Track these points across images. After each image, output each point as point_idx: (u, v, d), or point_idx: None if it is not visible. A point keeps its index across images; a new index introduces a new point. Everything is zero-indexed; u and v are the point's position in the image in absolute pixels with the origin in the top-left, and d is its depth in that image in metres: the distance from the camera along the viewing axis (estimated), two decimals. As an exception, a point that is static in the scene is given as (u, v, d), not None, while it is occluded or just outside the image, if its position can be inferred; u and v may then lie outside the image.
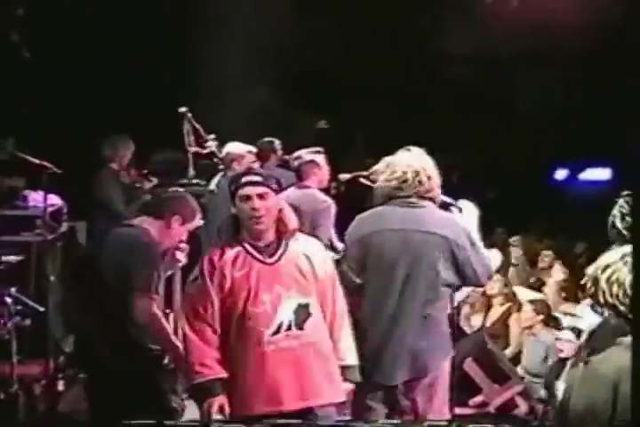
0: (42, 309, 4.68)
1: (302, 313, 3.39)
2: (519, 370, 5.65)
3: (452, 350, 3.93)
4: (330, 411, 3.45)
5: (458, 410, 4.34)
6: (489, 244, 6.44)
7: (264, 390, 3.33)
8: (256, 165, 5.93)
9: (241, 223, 3.44)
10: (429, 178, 3.84)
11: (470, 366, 5.44)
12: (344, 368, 3.49)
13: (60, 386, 5.17)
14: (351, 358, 3.53)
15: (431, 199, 3.87)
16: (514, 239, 7.73)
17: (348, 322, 3.59)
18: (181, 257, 3.93)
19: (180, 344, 3.56)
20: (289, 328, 3.36)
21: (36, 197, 5.92)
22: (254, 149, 6.07)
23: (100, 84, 7.11)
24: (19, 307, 4.54)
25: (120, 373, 3.65)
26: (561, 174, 10.66)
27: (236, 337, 3.36)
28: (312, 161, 5.52)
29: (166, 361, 3.76)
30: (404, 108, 8.02)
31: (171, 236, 3.83)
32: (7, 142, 5.76)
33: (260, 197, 3.39)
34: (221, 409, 3.31)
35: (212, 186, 6.05)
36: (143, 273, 3.63)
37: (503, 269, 6.48)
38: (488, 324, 6.08)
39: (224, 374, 3.34)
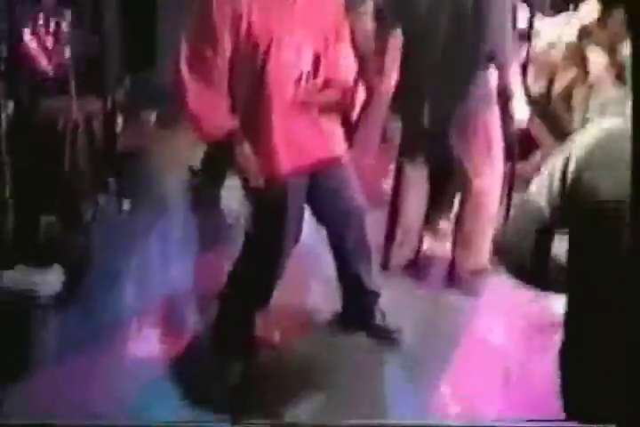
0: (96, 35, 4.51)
1: (317, 63, 3.11)
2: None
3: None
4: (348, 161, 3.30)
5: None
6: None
7: (290, 146, 3.11)
8: None
9: None
10: None
11: (533, 122, 5.27)
12: None
13: (119, 124, 5.19)
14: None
15: None
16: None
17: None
18: None
19: None
20: (307, 79, 3.10)
21: None
22: None
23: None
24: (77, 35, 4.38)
25: None
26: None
27: (255, 88, 3.04)
28: None
29: None
30: None
31: None
32: None
33: None
34: (249, 158, 3.05)
35: None
36: None
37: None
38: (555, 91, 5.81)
39: (238, 123, 3.05)
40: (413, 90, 3.88)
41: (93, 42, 4.53)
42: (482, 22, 3.60)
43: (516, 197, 4.22)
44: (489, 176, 3.91)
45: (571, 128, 5.40)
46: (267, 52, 3.02)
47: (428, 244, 4.23)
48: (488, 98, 3.79)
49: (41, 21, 4.19)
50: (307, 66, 3.10)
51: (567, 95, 5.69)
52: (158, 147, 5.33)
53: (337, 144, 3.30)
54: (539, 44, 4.60)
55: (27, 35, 4.13)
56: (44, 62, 4.21)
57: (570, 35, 5.06)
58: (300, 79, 3.08)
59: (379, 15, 4.10)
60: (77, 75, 4.41)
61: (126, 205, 4.52)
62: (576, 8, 5.09)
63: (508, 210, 4.03)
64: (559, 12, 4.75)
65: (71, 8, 4.35)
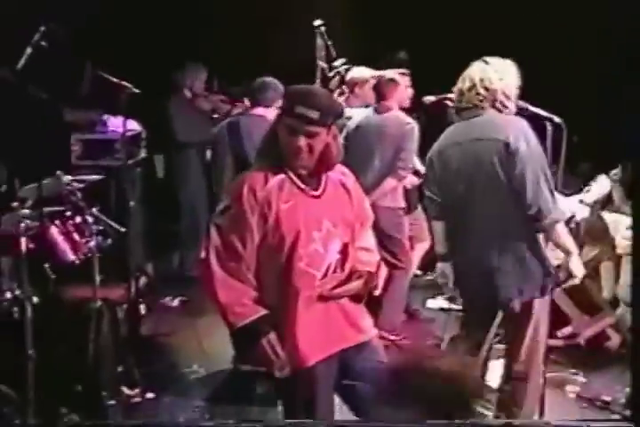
0: (123, 229, 4.61)
1: (345, 253, 3.10)
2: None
3: (542, 281, 3.66)
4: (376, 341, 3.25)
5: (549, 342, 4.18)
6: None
7: (315, 337, 3.04)
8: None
9: (281, 146, 3.04)
10: (488, 89, 3.63)
11: (560, 296, 5.23)
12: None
13: (142, 310, 5.18)
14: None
15: (496, 108, 3.66)
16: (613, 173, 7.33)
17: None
18: None
19: None
20: (335, 270, 3.08)
21: (115, 122, 5.88)
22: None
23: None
24: (100, 227, 4.48)
25: None
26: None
27: (281, 279, 3.02)
28: (392, 79, 5.31)
29: None
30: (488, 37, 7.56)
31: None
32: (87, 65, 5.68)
33: (309, 135, 2.98)
34: (276, 348, 3.00)
35: None
36: None
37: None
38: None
39: (266, 312, 3.01)
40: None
41: (118, 232, 4.62)
42: (518, 189, 3.54)
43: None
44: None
45: (600, 302, 5.34)
46: (293, 246, 3.00)
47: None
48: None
49: (69, 217, 4.29)
50: (333, 258, 3.07)
51: (593, 271, 5.65)
52: (182, 333, 5.29)
53: (364, 330, 3.21)
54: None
55: (54, 229, 4.21)
56: (70, 255, 4.27)
57: (584, 212, 5.09)
58: (327, 271, 3.06)
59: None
60: (101, 263, 4.46)
61: (149, 395, 4.42)
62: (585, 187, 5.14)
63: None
64: (570, 194, 4.80)
65: (96, 204, 4.48)
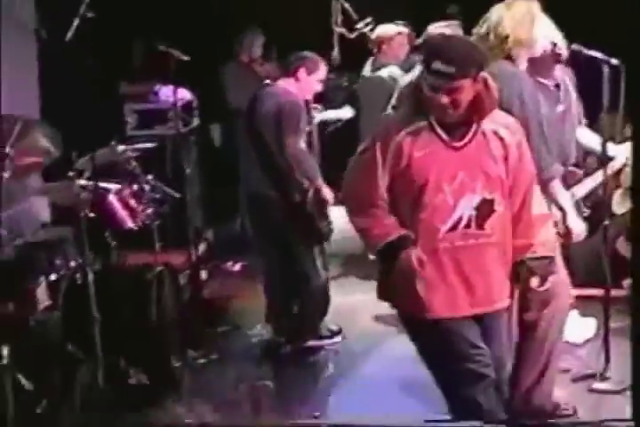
0: (178, 195, 4.67)
1: (485, 209, 2.93)
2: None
3: None
4: (503, 315, 3.07)
5: (613, 292, 4.12)
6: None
7: (432, 293, 2.94)
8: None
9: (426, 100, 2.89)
10: (499, 36, 3.47)
11: (622, 245, 5.16)
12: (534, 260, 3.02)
13: (204, 275, 5.26)
14: (544, 250, 3.04)
15: (507, 58, 3.51)
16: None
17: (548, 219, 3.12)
18: (315, 113, 4.62)
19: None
20: (468, 225, 2.92)
21: (166, 92, 5.91)
22: (406, 30, 5.60)
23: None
24: (157, 195, 4.54)
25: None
26: None
27: (409, 221, 2.93)
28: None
29: None
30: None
31: (303, 88, 4.49)
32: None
33: (451, 91, 2.82)
34: (420, 262, 2.90)
35: (365, 71, 5.74)
36: (293, 119, 4.34)
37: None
38: None
39: (408, 232, 2.92)
40: None
41: (175, 199, 4.69)
42: None
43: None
44: None
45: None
46: (419, 195, 2.92)
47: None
48: None
49: (125, 185, 4.36)
50: (466, 213, 2.93)
51: None
52: (244, 296, 5.35)
53: (499, 297, 3.04)
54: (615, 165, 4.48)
55: (112, 197, 4.29)
56: (128, 222, 4.34)
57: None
58: (456, 225, 2.94)
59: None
60: (160, 230, 4.53)
61: (214, 355, 4.50)
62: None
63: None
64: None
65: (152, 172, 4.54)
